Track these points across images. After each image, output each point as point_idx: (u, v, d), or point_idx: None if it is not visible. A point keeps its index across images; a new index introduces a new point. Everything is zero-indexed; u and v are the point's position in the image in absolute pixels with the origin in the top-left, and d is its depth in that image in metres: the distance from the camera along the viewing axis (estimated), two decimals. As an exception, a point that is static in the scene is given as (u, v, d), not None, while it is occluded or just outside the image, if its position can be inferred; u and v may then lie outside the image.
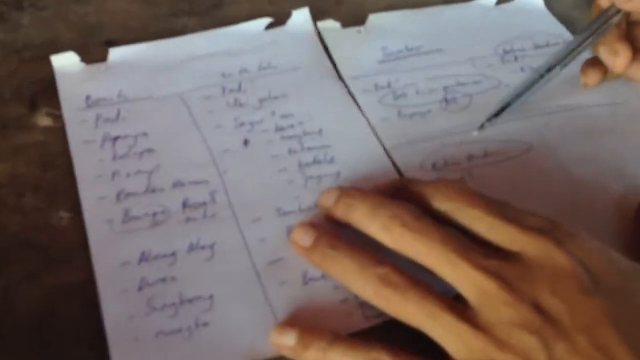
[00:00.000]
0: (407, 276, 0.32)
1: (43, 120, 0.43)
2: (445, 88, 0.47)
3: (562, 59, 0.44)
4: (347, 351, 0.31)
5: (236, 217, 0.37)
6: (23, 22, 0.50)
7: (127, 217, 0.37)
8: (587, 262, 0.32)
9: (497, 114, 0.43)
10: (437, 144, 0.43)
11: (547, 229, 0.32)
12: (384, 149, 0.42)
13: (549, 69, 0.43)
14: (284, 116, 0.43)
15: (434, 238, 0.32)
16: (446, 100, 0.46)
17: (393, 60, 0.50)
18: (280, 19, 0.51)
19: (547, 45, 0.52)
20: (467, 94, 0.47)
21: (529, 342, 0.29)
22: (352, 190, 0.36)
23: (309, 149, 0.42)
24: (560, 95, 0.47)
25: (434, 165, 0.41)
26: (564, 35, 0.53)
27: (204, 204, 0.38)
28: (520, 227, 0.33)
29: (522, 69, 0.49)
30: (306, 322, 0.34)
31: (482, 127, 0.43)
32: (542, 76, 0.43)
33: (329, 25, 0.51)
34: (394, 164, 0.42)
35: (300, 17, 0.51)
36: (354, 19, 0.52)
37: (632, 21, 0.45)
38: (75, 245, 0.36)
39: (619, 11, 0.44)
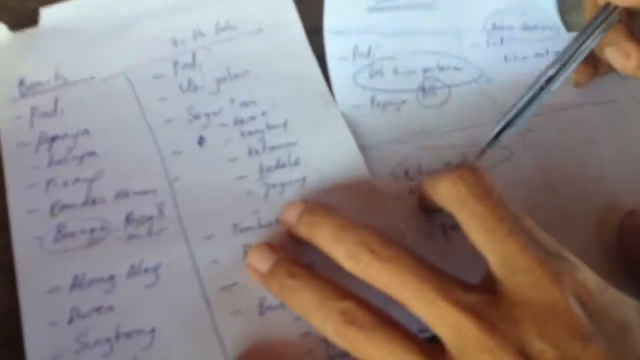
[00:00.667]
0: (375, 313, 0.28)
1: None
2: (424, 71, 0.42)
3: (562, 67, 0.37)
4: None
5: (186, 235, 0.33)
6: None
7: (61, 234, 0.32)
8: (585, 299, 0.27)
9: (497, 136, 0.37)
10: (411, 147, 0.38)
11: (539, 254, 0.28)
12: (358, 146, 0.37)
13: (550, 80, 0.37)
14: (245, 104, 0.38)
15: (406, 269, 0.28)
16: (423, 89, 0.41)
17: (383, 11, 0.44)
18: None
19: (536, 27, 0.47)
20: (446, 85, 0.42)
21: None
22: (317, 206, 0.32)
23: (272, 148, 0.36)
24: None
25: (406, 173, 0.37)
26: (556, 22, 0.47)
27: (150, 218, 0.33)
28: (514, 246, 0.28)
29: (505, 58, 0.44)
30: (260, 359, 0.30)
31: (483, 152, 0.37)
32: (542, 88, 0.37)
33: None
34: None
35: None
36: None
37: (633, 12, 0.40)
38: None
39: (616, 7, 0.38)
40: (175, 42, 0.40)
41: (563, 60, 0.37)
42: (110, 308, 0.31)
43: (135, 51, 0.39)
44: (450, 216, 0.30)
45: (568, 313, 0.26)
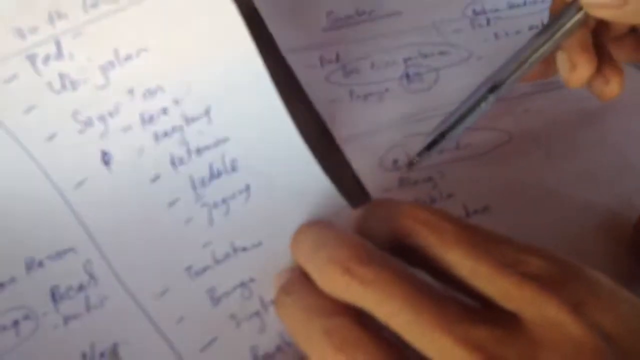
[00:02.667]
0: (369, 335, 0.24)
1: None
2: (406, 60, 0.39)
3: (510, 75, 0.31)
4: None
5: (134, 297, 0.27)
6: None
7: (-22, 343, 0.26)
8: (611, 328, 0.23)
9: (429, 147, 0.32)
10: (398, 134, 0.35)
11: (555, 279, 0.24)
12: (338, 139, 0.33)
13: (493, 89, 0.31)
14: (150, 93, 0.28)
15: (395, 295, 0.23)
16: (407, 76, 0.38)
17: (341, 28, 0.41)
18: None
19: (525, 4, 0.43)
20: (433, 69, 0.38)
21: None
22: (304, 225, 0.28)
23: (199, 151, 0.29)
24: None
25: (395, 163, 0.33)
26: None
27: (82, 288, 0.27)
28: (517, 278, 0.24)
29: (496, 36, 0.41)
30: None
31: (411, 165, 0.33)
32: (484, 98, 0.31)
33: None
34: (342, 162, 0.32)
35: None
36: None
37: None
38: None
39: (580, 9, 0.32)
40: (21, 33, 0.27)
41: (510, 67, 0.31)
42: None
43: None
44: None
45: (593, 348, 0.22)
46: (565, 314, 0.23)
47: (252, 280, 0.28)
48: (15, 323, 0.26)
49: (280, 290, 0.27)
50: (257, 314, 0.28)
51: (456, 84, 0.39)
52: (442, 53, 0.41)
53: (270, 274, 0.28)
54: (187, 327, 0.27)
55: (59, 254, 0.27)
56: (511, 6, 0.44)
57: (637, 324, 0.24)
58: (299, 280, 0.27)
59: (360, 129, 0.36)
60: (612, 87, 0.34)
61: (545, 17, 0.42)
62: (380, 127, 0.36)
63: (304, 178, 0.30)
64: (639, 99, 0.40)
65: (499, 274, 0.24)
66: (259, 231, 0.29)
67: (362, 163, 0.34)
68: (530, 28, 0.43)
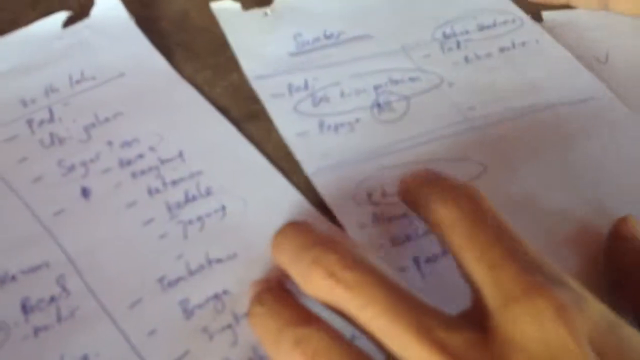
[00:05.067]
0: (340, 345, 0.23)
1: None
2: (376, 88, 0.38)
3: None
4: None
5: (105, 308, 0.27)
6: None
7: (-56, 353, 0.26)
8: (594, 337, 0.22)
9: None
10: (371, 167, 0.34)
11: (537, 284, 0.23)
12: (310, 171, 0.33)
13: None
14: (127, 144, 0.32)
15: (374, 300, 0.23)
16: (378, 105, 0.37)
17: (309, 52, 0.40)
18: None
19: (495, 25, 0.43)
20: (403, 97, 0.38)
21: None
22: (287, 225, 0.27)
23: (175, 182, 0.31)
24: (512, 95, 0.39)
25: (370, 196, 0.33)
26: (514, 12, 0.44)
27: (53, 299, 0.27)
28: (509, 271, 0.23)
29: (467, 60, 0.41)
30: None
31: None
32: None
33: (227, 5, 0.41)
34: (305, 186, 0.33)
35: (107, 3, 0.38)
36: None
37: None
38: None
39: None
40: (24, 103, 0.34)
41: None
42: None
43: None
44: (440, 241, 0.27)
45: (577, 357, 0.21)
46: (548, 313, 0.22)
47: (225, 292, 0.28)
48: (-16, 335, 0.26)
49: (253, 299, 0.26)
50: (229, 326, 0.27)
51: (427, 112, 0.38)
52: (412, 79, 0.40)
53: (245, 285, 0.28)
54: (159, 339, 0.27)
55: (32, 269, 0.28)
56: (481, 28, 0.43)
57: (606, 331, 0.23)
58: (273, 290, 0.27)
59: (332, 161, 0.35)
60: None
61: (516, 38, 0.42)
62: (352, 160, 0.35)
63: (274, 192, 0.32)
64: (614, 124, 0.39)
65: (491, 269, 0.23)
66: (234, 243, 0.30)
67: (334, 196, 0.33)
68: (501, 50, 0.42)
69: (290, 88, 0.38)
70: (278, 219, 0.29)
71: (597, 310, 0.23)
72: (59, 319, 0.27)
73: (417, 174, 0.29)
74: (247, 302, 0.27)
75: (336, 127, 0.36)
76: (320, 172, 0.34)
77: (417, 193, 0.28)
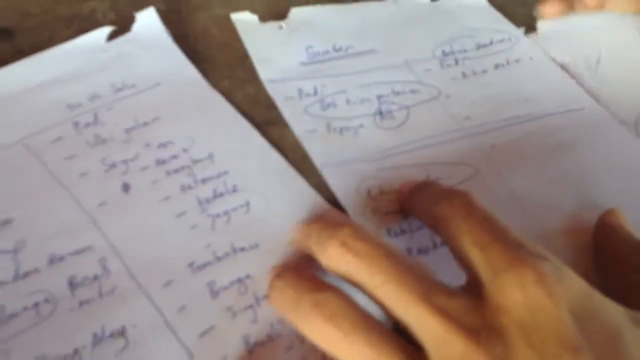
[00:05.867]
0: (356, 311, 0.26)
1: None
2: (379, 97, 0.42)
3: None
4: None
5: (141, 287, 0.31)
6: None
7: (1, 319, 0.28)
8: (574, 306, 0.25)
9: None
10: (371, 168, 0.37)
11: (531, 258, 0.26)
12: (317, 164, 0.37)
13: None
14: (163, 145, 0.36)
15: (383, 268, 0.27)
16: (380, 112, 0.41)
17: (319, 63, 0.44)
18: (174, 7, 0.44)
19: (491, 43, 0.47)
20: (403, 106, 0.41)
21: None
22: (313, 217, 0.32)
23: (204, 180, 0.35)
24: (506, 107, 0.42)
25: (369, 192, 0.36)
26: (510, 30, 0.48)
27: (96, 278, 0.30)
28: (498, 248, 0.26)
29: (464, 75, 0.44)
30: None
31: None
32: None
33: (246, 17, 0.45)
34: (318, 185, 0.36)
35: (146, 20, 0.43)
36: (271, 12, 0.46)
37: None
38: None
39: None
40: (71, 107, 0.38)
41: None
42: (86, 385, 0.28)
43: (28, 123, 0.36)
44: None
45: (556, 319, 0.24)
46: (530, 280, 0.25)
47: (248, 277, 0.32)
48: (36, 304, 0.29)
49: (274, 277, 0.30)
50: (251, 307, 0.31)
51: (425, 121, 0.41)
52: (413, 91, 0.43)
53: (265, 271, 0.31)
54: (188, 315, 0.30)
55: (78, 252, 0.31)
56: (478, 47, 0.47)
57: (582, 300, 0.26)
58: (291, 267, 0.31)
59: (337, 159, 0.38)
60: None
61: (511, 56, 0.46)
62: (355, 160, 0.38)
63: (292, 190, 0.35)
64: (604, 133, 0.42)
65: (495, 244, 0.27)
66: (256, 234, 0.33)
67: (338, 187, 0.36)
68: (496, 66, 0.46)
69: (301, 93, 0.42)
70: (295, 213, 0.34)
71: (574, 281, 0.26)
72: (101, 294, 0.30)
73: (412, 183, 0.34)
74: (267, 285, 0.31)
75: (341, 130, 0.40)
76: (325, 167, 0.37)
77: (414, 198, 0.33)
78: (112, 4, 0.45)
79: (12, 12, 0.43)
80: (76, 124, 0.37)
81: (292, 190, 0.36)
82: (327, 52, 0.45)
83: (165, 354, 0.29)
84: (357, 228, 0.29)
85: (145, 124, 0.37)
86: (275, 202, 0.35)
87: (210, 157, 0.36)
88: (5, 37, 0.41)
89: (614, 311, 0.27)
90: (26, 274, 0.30)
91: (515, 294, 0.25)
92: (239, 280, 0.32)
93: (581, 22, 0.49)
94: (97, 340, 0.29)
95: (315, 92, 0.42)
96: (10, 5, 0.43)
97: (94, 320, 0.29)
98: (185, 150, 0.36)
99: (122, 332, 0.29)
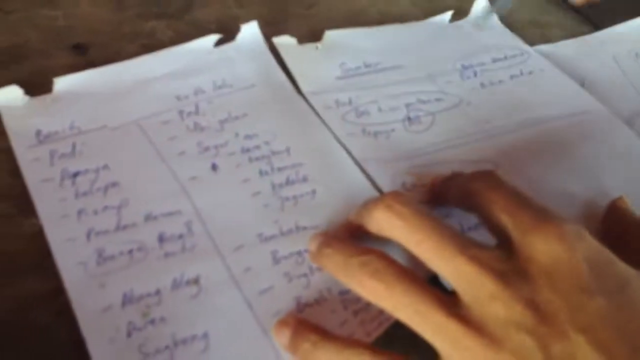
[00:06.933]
0: (396, 266, 0.31)
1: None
2: (407, 105, 0.47)
3: None
4: (331, 350, 0.31)
5: (217, 247, 0.37)
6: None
7: (102, 258, 0.35)
8: (590, 259, 0.30)
9: None
10: (403, 166, 0.43)
11: (555, 219, 0.31)
12: (356, 162, 0.42)
13: None
14: (249, 137, 0.43)
15: (425, 227, 0.32)
16: (409, 118, 0.46)
17: (352, 77, 0.50)
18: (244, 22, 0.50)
19: (505, 58, 0.53)
20: (429, 113, 0.47)
21: (524, 342, 0.28)
22: (330, 239, 0.36)
23: (280, 169, 0.41)
24: (521, 111, 0.48)
25: (403, 185, 0.41)
26: (521, 47, 0.54)
27: (181, 236, 0.37)
28: (527, 214, 0.31)
29: (482, 85, 0.50)
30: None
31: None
32: None
33: (285, 41, 0.50)
34: (368, 177, 0.42)
35: (249, 31, 0.50)
36: (307, 36, 0.52)
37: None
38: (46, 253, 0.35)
39: None
40: (179, 98, 0.45)
41: None
42: (162, 319, 0.33)
43: (142, 108, 0.44)
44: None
45: (574, 268, 0.29)
46: (553, 237, 0.30)
47: (306, 251, 0.37)
48: (130, 251, 0.36)
49: (321, 245, 0.35)
50: (305, 275, 0.36)
51: (449, 125, 0.47)
52: (437, 100, 0.49)
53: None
54: (252, 274, 0.36)
55: (170, 214, 0.38)
56: (494, 60, 0.52)
57: (597, 255, 0.30)
58: (336, 237, 0.36)
59: (373, 156, 0.43)
60: None
61: (524, 68, 0.51)
62: (389, 159, 0.44)
63: (353, 184, 0.41)
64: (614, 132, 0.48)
65: (522, 209, 0.31)
66: (318, 217, 0.39)
67: (380, 179, 0.41)
68: (512, 77, 0.51)
69: (337, 103, 0.48)
70: (353, 203, 0.38)
71: (590, 240, 0.31)
72: (183, 249, 0.36)
73: (443, 176, 0.39)
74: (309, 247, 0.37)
75: (375, 134, 0.46)
76: (366, 161, 0.43)
77: (448, 183, 0.38)
78: (168, 24, 0.51)
79: (85, 31, 0.50)
80: (181, 112, 0.44)
81: (352, 183, 0.42)
82: (358, 67, 0.51)
83: (230, 302, 0.35)
84: (399, 193, 0.34)
85: (237, 117, 0.44)
86: (337, 192, 0.41)
87: (287, 150, 0.43)
88: (80, 51, 0.48)
89: (624, 265, 0.31)
90: (125, 227, 0.37)
91: (542, 247, 0.30)
92: (298, 253, 0.37)
93: (569, 48, 0.56)
94: (176, 284, 0.35)
95: (350, 102, 0.47)
96: (84, 25, 0.50)
97: (175, 269, 0.36)
98: (266, 143, 0.43)
99: (196, 281, 0.35)
